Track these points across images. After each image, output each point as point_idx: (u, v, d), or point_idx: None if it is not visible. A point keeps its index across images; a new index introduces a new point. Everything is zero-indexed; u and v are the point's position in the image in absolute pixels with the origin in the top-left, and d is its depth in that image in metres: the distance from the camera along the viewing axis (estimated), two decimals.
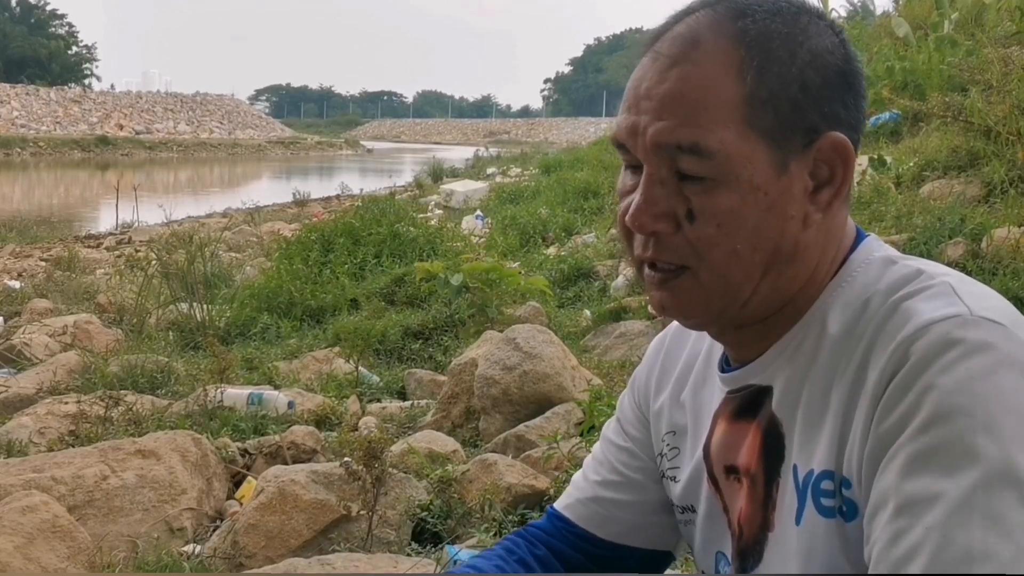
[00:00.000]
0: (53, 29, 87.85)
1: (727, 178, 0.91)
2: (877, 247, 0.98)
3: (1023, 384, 0.80)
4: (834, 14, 14.91)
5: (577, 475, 1.27)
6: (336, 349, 5.93)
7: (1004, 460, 0.77)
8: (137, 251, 10.15)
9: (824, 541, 0.90)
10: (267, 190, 27.05)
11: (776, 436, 0.98)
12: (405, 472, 3.60)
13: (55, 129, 56.67)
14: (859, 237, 0.99)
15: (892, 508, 0.81)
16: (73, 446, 4.12)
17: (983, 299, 0.87)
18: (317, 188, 24.60)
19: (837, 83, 0.93)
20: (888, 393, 0.84)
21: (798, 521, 0.93)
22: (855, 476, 0.87)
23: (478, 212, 13.00)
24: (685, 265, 0.95)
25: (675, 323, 1.16)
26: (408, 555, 3.22)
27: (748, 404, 1.02)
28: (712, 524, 1.09)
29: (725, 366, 1.06)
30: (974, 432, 0.79)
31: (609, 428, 1.27)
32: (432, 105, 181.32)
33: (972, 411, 0.79)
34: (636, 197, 0.95)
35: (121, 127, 61.74)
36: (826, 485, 0.91)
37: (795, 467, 0.94)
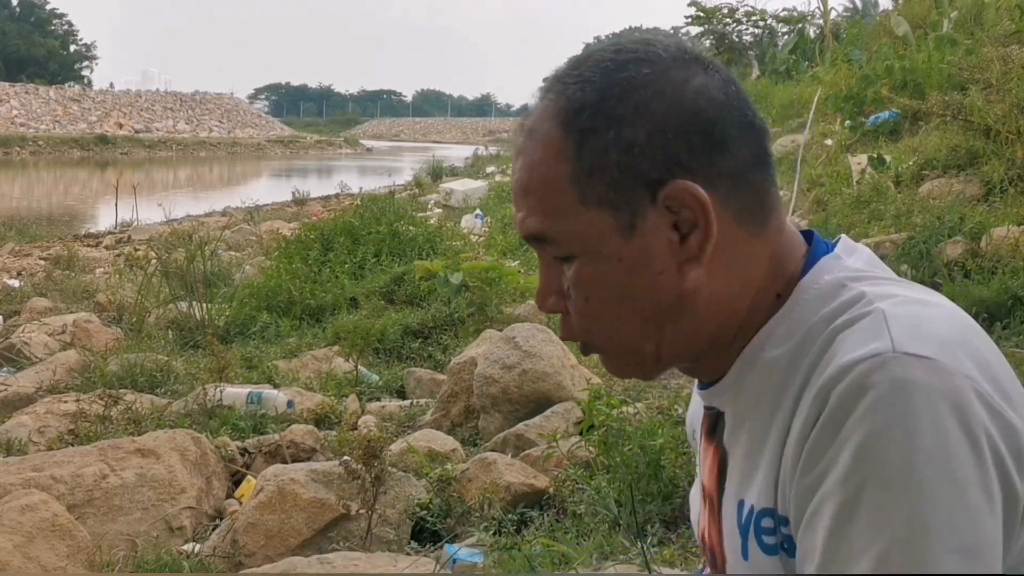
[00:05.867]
0: (53, 28, 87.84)
1: (580, 254, 0.93)
2: (830, 268, 0.94)
3: (943, 422, 0.79)
4: (833, 13, 14.92)
5: None
6: (335, 348, 5.93)
7: (919, 514, 0.77)
8: (136, 250, 10.13)
9: None
10: (266, 189, 27.05)
11: (724, 465, 1.00)
12: (404, 471, 3.60)
13: (54, 128, 56.64)
14: (815, 257, 0.96)
15: (818, 559, 0.81)
16: (72, 445, 4.13)
17: (915, 327, 0.84)
18: (316, 187, 24.59)
19: (674, 131, 0.90)
20: (811, 441, 0.83)
21: (745, 556, 0.94)
22: (791, 515, 0.87)
23: (477, 211, 12.99)
24: (586, 339, 0.98)
25: None
26: (407, 554, 3.22)
27: (713, 425, 1.03)
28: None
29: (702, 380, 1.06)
30: (889, 487, 0.78)
31: None
32: (431, 104, 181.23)
33: (887, 464, 0.78)
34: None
35: (120, 126, 61.70)
36: (766, 523, 0.91)
37: (740, 502, 0.95)
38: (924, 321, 0.85)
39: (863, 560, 0.78)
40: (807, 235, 1.00)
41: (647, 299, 0.92)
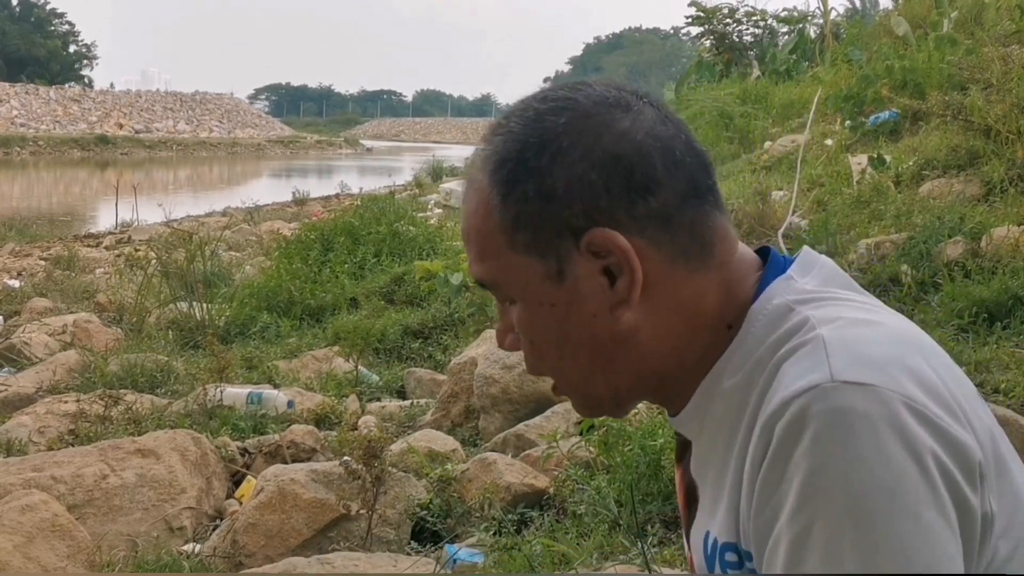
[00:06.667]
0: (53, 28, 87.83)
1: (518, 298, 0.95)
2: (779, 292, 0.93)
3: (886, 448, 0.78)
4: (833, 13, 14.91)
5: None
6: (336, 348, 5.93)
7: (872, 546, 0.77)
8: (137, 250, 10.12)
9: None
10: (266, 189, 27.03)
11: (694, 494, 1.00)
12: (404, 471, 3.60)
13: (54, 128, 56.62)
14: (767, 280, 0.95)
15: None
16: (73, 445, 4.13)
17: (853, 353, 0.83)
18: (316, 187, 24.58)
19: (592, 179, 0.90)
20: (761, 478, 0.84)
21: None
22: (753, 551, 0.87)
23: None
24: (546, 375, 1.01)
25: None
26: (407, 554, 3.22)
27: (682, 451, 1.04)
28: None
29: None
30: (837, 521, 0.78)
31: None
32: (431, 104, 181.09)
33: (833, 498, 0.78)
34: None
35: (120, 126, 61.68)
36: (730, 557, 0.91)
37: (706, 533, 0.95)
38: (863, 344, 0.85)
39: None
40: (765, 253, 0.99)
41: (585, 341, 0.94)
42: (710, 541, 0.94)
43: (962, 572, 0.79)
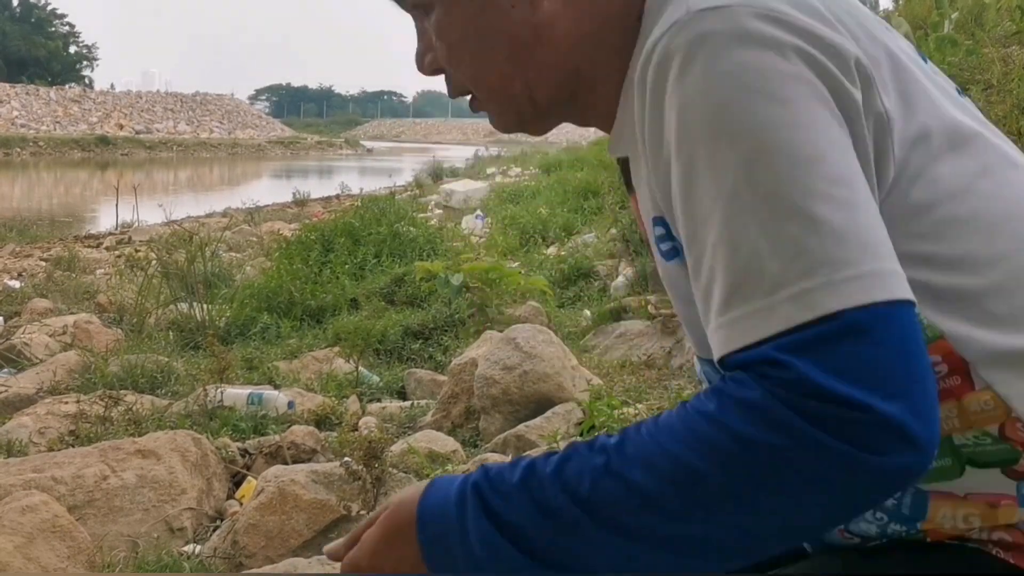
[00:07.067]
0: (54, 28, 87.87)
1: (435, 2, 0.95)
2: None
3: (746, 55, 0.77)
4: None
5: None
6: (336, 349, 5.93)
7: (752, 145, 0.76)
8: (137, 251, 10.12)
9: (682, 282, 0.90)
10: (267, 190, 27.01)
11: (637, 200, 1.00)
12: (405, 472, 3.60)
13: (55, 129, 56.65)
14: None
15: (684, 240, 0.81)
16: (73, 446, 4.12)
17: None
18: (317, 188, 24.56)
19: None
20: (648, 131, 0.83)
21: (660, 269, 0.96)
22: (666, 212, 0.87)
23: (478, 212, 12.99)
24: (468, 89, 1.00)
25: None
26: None
27: (625, 174, 1.03)
28: None
29: None
30: (715, 134, 0.77)
31: None
32: (432, 105, 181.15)
33: (706, 115, 0.77)
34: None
35: (121, 127, 61.72)
36: (659, 231, 0.91)
37: (651, 220, 0.95)
38: None
39: (711, 220, 0.77)
40: None
41: (504, 36, 0.94)
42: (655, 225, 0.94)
43: (847, 151, 0.78)
